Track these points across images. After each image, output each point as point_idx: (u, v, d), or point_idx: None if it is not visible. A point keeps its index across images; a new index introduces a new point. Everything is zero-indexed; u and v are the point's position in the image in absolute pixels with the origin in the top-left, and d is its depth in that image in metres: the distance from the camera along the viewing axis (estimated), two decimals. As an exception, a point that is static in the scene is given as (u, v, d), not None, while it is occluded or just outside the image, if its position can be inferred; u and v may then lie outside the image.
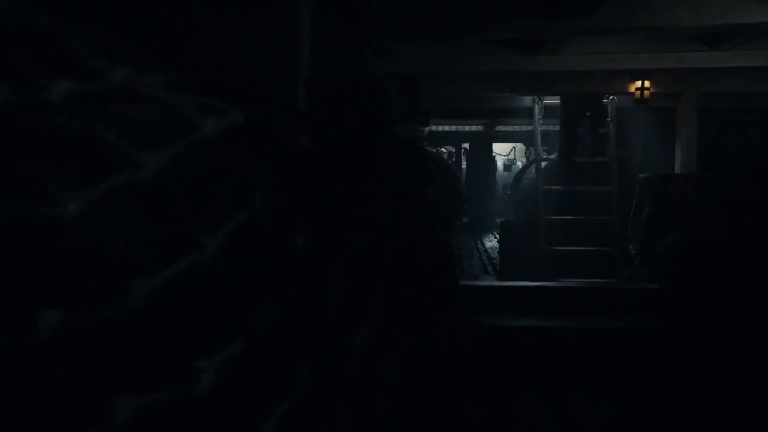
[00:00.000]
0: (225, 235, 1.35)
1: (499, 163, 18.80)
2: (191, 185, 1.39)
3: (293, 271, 1.69)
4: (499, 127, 12.95)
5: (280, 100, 2.21)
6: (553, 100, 7.64)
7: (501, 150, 18.70)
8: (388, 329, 2.26)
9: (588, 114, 7.21)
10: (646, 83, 6.91)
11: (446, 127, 13.19)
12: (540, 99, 7.58)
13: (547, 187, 7.36)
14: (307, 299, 1.71)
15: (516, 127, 12.49)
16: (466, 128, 13.46)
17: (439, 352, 2.75)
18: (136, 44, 1.61)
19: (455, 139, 16.14)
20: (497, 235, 10.33)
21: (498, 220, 11.48)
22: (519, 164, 16.40)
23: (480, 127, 13.28)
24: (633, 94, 7.02)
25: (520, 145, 17.62)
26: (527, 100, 7.86)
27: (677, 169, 7.27)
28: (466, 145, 17.02)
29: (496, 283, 5.88)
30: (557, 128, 7.85)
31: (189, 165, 1.40)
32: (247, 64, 2.37)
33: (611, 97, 7.49)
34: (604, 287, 5.34)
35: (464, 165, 17.51)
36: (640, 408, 3.77)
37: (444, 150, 16.78)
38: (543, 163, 7.63)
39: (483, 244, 12.41)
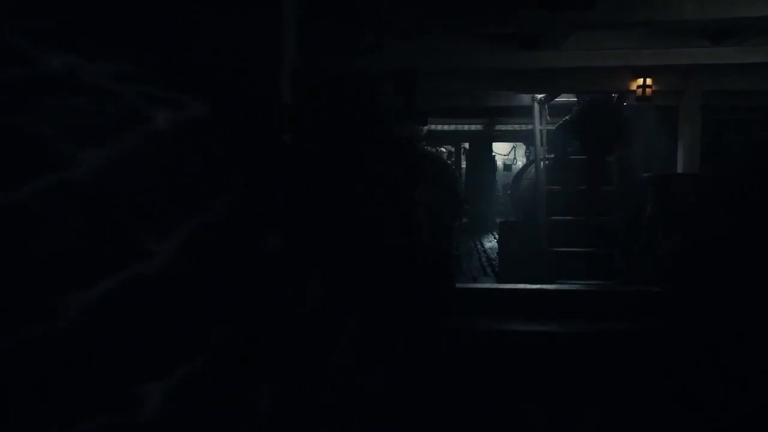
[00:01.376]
0: (177, 242, 1.20)
1: (500, 163, 18.66)
2: (137, 185, 1.25)
3: (263, 279, 1.55)
4: (499, 127, 12.83)
5: (260, 92, 2.07)
6: (555, 99, 7.50)
7: (501, 149, 18.57)
8: (372, 340, 2.12)
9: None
10: (648, 81, 6.76)
11: (446, 127, 13.07)
12: (543, 98, 7.42)
13: (547, 186, 7.22)
14: (277, 310, 1.56)
15: (516, 126, 12.36)
16: (466, 127, 13.33)
17: (428, 362, 2.61)
18: (91, 32, 1.47)
19: (455, 138, 16.02)
20: (497, 236, 10.19)
21: (498, 220, 11.34)
22: (519, 164, 16.27)
23: (480, 127, 13.15)
24: (634, 92, 6.88)
25: (520, 145, 17.48)
26: (527, 99, 7.72)
27: (679, 169, 7.13)
28: (466, 145, 16.89)
29: (494, 286, 5.74)
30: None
31: (135, 163, 1.26)
32: (228, 55, 2.23)
33: (612, 95, 7.34)
34: (604, 290, 5.20)
35: (464, 164, 17.37)
36: (641, 413, 3.64)
37: (444, 149, 16.64)
38: (543, 163, 7.49)
39: (483, 245, 12.26)
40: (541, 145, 7.39)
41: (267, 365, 1.43)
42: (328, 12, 4.24)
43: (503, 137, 15.47)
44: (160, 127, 1.26)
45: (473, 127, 13.28)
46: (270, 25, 2.65)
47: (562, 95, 7.48)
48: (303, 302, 1.71)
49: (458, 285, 4.65)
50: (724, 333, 4.02)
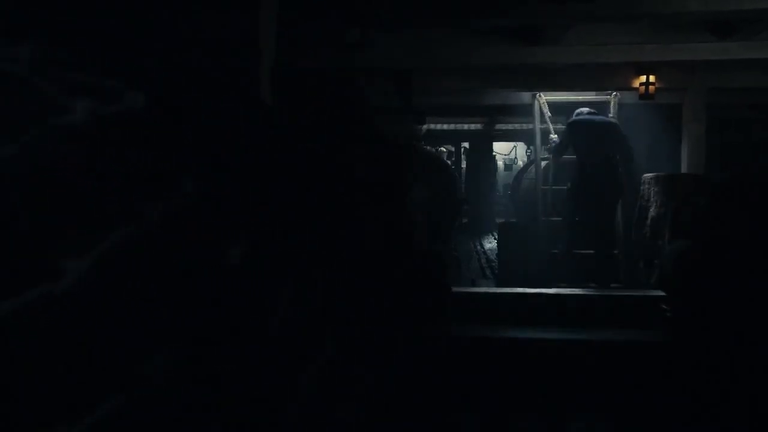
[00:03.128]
0: (96, 259, 1.01)
1: (500, 163, 18.50)
2: (46, 188, 1.06)
3: (216, 302, 1.36)
4: (499, 126, 12.68)
5: (221, 82, 1.88)
6: (555, 97, 7.30)
7: (501, 149, 18.41)
8: (350, 362, 1.93)
9: None
10: (651, 78, 6.58)
11: (445, 126, 12.91)
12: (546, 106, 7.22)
13: (546, 187, 7.04)
14: (234, 339, 1.37)
15: (516, 125, 12.20)
16: (465, 127, 13.18)
17: (414, 380, 2.42)
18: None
19: (454, 138, 15.87)
20: (497, 237, 10.02)
21: (498, 221, 11.18)
22: (520, 164, 16.12)
23: (479, 126, 13.00)
24: (637, 89, 6.70)
25: (521, 145, 17.31)
26: (527, 97, 7.52)
27: (683, 169, 6.95)
28: (466, 144, 16.73)
29: (491, 290, 5.55)
30: (557, 126, 7.51)
31: (45, 161, 1.07)
32: (199, 47, 2.03)
33: (614, 93, 7.17)
34: (604, 295, 5.01)
35: (464, 164, 17.22)
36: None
37: (444, 149, 16.49)
38: (543, 163, 7.31)
39: (482, 246, 12.08)
40: (541, 144, 7.21)
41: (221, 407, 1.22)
42: (314, 7, 4.06)
43: (503, 136, 15.32)
44: (79, 121, 1.04)
45: (473, 127, 13.12)
46: (247, 20, 2.46)
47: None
48: (266, 322, 1.49)
49: (455, 289, 4.46)
50: (736, 345, 3.82)
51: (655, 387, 3.74)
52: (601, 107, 7.30)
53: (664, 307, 4.34)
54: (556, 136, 6.67)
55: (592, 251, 6.01)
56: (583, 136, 5.78)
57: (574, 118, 6.01)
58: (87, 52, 1.32)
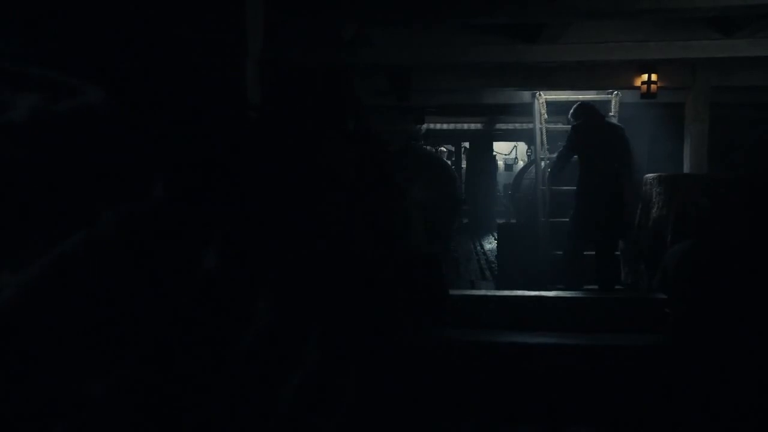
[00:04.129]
0: (37, 272, 0.90)
1: (500, 163, 18.39)
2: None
3: (187, 312, 1.25)
4: (499, 125, 12.57)
5: (199, 79, 1.78)
6: (556, 96, 7.18)
7: (502, 149, 18.30)
8: (332, 372, 1.82)
9: None
10: (653, 76, 6.46)
11: (445, 126, 12.80)
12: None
13: (546, 187, 6.93)
14: (206, 354, 1.26)
15: (517, 125, 12.08)
16: (465, 126, 13.06)
17: (404, 388, 2.32)
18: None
19: (454, 137, 15.78)
20: (496, 238, 9.91)
21: (498, 221, 11.07)
22: (520, 164, 16.00)
23: (479, 125, 12.89)
24: (638, 88, 6.59)
25: (521, 144, 17.19)
26: (527, 96, 7.41)
27: (686, 169, 6.84)
28: (467, 144, 16.62)
29: (490, 293, 5.44)
30: (557, 126, 7.39)
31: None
32: (183, 45, 1.93)
33: (615, 92, 7.06)
34: (606, 298, 4.90)
35: (464, 164, 17.12)
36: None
37: (444, 149, 16.38)
38: (543, 163, 7.19)
39: (482, 247, 11.97)
40: (542, 144, 7.08)
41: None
42: (309, 3, 3.95)
43: (504, 136, 15.21)
44: (20, 118, 0.92)
45: (473, 126, 13.01)
46: (232, 16, 2.37)
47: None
48: (241, 334, 1.37)
49: (452, 292, 4.35)
50: (737, 343, 3.71)
51: (660, 393, 3.63)
52: (602, 106, 7.19)
53: (666, 310, 4.22)
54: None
55: (593, 253, 5.91)
56: (591, 140, 5.37)
57: (579, 120, 5.63)
58: (39, 44, 1.21)
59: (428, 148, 12.12)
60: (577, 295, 5.01)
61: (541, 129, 7.09)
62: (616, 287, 5.43)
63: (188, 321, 1.23)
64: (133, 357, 1.03)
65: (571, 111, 5.47)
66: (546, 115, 7.05)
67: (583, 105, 5.47)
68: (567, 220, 5.76)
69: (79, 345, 0.94)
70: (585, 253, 5.57)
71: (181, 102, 1.56)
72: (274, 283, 1.58)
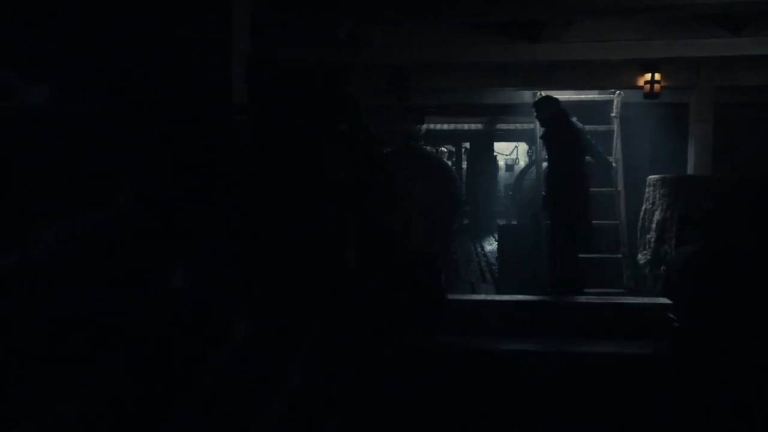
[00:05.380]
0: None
1: (501, 163, 18.26)
2: None
3: (153, 332, 1.15)
4: (500, 125, 12.47)
5: (173, 77, 1.67)
6: (557, 97, 7.07)
7: (503, 149, 18.17)
8: (325, 383, 1.72)
9: None
10: (656, 76, 6.36)
11: (445, 126, 12.71)
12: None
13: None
14: (177, 376, 1.17)
15: (518, 125, 11.98)
16: (466, 126, 12.97)
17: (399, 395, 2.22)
18: None
19: (455, 138, 15.67)
20: (497, 239, 9.82)
21: (499, 222, 10.98)
22: (521, 164, 15.89)
23: (480, 126, 12.80)
24: (641, 87, 6.49)
25: (522, 144, 17.06)
26: (528, 96, 7.31)
27: (690, 170, 6.74)
28: (467, 144, 16.52)
29: (489, 298, 5.34)
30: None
31: None
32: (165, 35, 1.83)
33: (617, 91, 6.96)
34: (607, 303, 4.79)
35: (464, 164, 17.02)
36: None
37: (444, 149, 16.28)
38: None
39: (483, 248, 11.88)
40: (543, 144, 6.98)
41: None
42: (305, 1, 3.86)
43: (504, 136, 15.11)
44: None
45: (473, 126, 12.92)
46: (217, 15, 2.27)
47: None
48: (215, 353, 1.25)
49: (451, 296, 4.24)
50: (742, 349, 3.61)
51: (668, 400, 3.53)
52: (604, 106, 7.10)
53: (670, 315, 4.12)
54: None
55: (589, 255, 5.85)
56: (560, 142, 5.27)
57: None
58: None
59: (428, 148, 12.03)
60: (578, 300, 4.91)
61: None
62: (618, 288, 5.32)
63: (154, 340, 1.13)
64: (94, 377, 0.94)
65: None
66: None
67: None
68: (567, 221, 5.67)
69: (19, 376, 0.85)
70: (583, 256, 5.49)
71: (154, 101, 1.47)
72: (255, 298, 1.48)
